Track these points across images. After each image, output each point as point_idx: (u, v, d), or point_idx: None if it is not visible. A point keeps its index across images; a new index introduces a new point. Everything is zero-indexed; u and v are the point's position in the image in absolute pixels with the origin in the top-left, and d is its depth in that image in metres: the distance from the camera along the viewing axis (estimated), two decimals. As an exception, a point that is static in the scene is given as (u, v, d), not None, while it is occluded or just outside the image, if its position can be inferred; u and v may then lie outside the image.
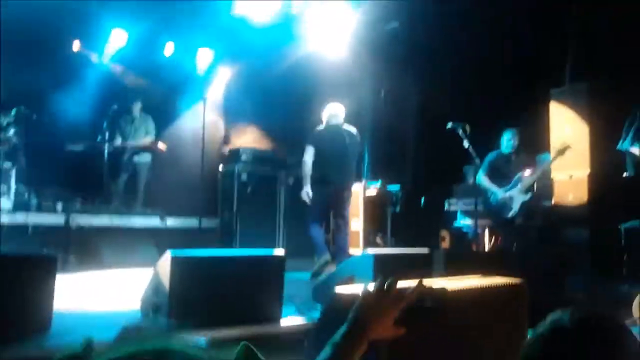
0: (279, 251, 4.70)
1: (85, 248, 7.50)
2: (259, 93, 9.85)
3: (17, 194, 7.98)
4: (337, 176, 7.21)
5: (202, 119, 7.82)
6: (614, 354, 1.42)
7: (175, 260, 3.82)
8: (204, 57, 10.59)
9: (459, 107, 8.46)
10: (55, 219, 7.79)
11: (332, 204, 7.32)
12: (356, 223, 8.84)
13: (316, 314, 4.27)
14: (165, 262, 3.87)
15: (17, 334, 3.29)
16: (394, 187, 9.59)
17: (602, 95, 7.79)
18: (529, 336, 1.51)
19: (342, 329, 1.69)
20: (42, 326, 3.50)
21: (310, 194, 7.11)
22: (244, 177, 8.64)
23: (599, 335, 1.41)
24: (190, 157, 9.15)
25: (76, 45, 9.54)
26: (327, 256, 6.95)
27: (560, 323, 1.45)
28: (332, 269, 6.27)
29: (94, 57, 9.73)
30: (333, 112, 7.44)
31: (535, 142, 8.21)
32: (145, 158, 9.30)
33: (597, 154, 7.63)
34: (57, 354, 0.98)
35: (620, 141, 7.12)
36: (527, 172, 7.54)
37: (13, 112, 8.01)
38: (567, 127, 7.93)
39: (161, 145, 9.22)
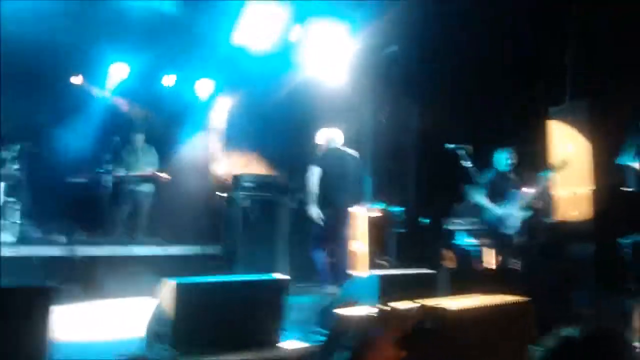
0: (280, 276, 4.68)
1: (89, 278, 7.46)
2: (259, 120, 9.88)
3: (21, 227, 7.99)
4: (341, 199, 7.25)
5: (204, 148, 7.83)
6: None
7: (179, 288, 3.80)
8: (204, 87, 10.64)
9: (459, 127, 8.47)
10: (58, 251, 7.77)
11: (335, 227, 7.30)
12: (361, 245, 8.80)
13: (319, 337, 4.24)
14: (168, 290, 3.85)
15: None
16: (397, 209, 9.57)
17: (602, 112, 7.79)
18: (536, 350, 1.51)
19: (344, 357, 1.68)
20: (39, 357, 3.45)
21: (320, 213, 7.09)
22: (246, 203, 8.61)
23: (607, 350, 1.43)
24: (192, 185, 9.18)
25: (77, 79, 9.61)
26: (332, 288, 6.95)
27: (569, 338, 1.47)
28: (334, 290, 6.24)
29: (95, 91, 9.78)
30: (331, 136, 7.50)
31: (535, 161, 8.20)
32: (147, 188, 9.31)
33: (599, 170, 7.61)
34: None
35: (621, 156, 7.11)
36: (525, 190, 7.54)
37: (17, 147, 8.06)
38: (568, 144, 7.93)
39: (164, 175, 9.23)
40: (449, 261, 8.97)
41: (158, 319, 3.93)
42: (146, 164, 9.34)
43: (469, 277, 6.30)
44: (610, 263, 6.91)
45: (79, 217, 8.77)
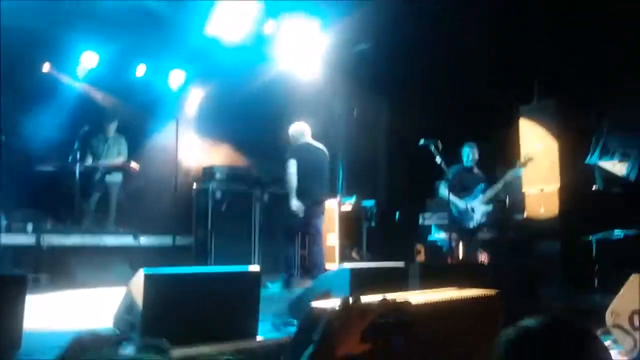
0: (254, 267, 4.66)
1: (57, 268, 7.38)
2: (231, 112, 9.84)
3: (-14, 216, 7.86)
4: (317, 190, 7.28)
5: (175, 138, 7.76)
6: (581, 358, 1.42)
7: (148, 278, 3.76)
8: (176, 77, 10.56)
9: (429, 124, 8.57)
10: (25, 239, 7.66)
11: (310, 218, 7.32)
12: (332, 238, 8.85)
13: (292, 329, 4.23)
14: (138, 280, 3.81)
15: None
16: (369, 203, 9.63)
17: (569, 112, 7.91)
18: (496, 341, 1.51)
19: (309, 351, 1.69)
20: (12, 346, 3.42)
21: (302, 206, 7.11)
22: (218, 194, 8.57)
23: (566, 340, 1.42)
24: (163, 176, 9.07)
25: (46, 67, 9.45)
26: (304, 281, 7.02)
27: (528, 328, 1.46)
28: (307, 284, 6.26)
29: (64, 79, 9.63)
30: (303, 130, 7.56)
31: (502, 157, 8.31)
32: (116, 178, 9.20)
33: (566, 169, 7.73)
34: None
35: (589, 155, 7.24)
36: (489, 185, 7.78)
37: (-18, 135, 7.92)
38: (536, 142, 8.03)
39: (134, 165, 9.13)
40: (421, 255, 9.06)
41: (128, 308, 3.89)
42: (116, 154, 9.23)
43: (440, 270, 6.33)
44: (576, 260, 7.04)
45: (48, 206, 8.66)
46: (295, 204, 7.09)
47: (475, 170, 8.00)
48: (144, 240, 8.52)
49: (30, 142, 8.64)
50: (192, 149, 9.86)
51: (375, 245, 9.19)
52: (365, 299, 1.77)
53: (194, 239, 8.72)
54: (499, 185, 7.72)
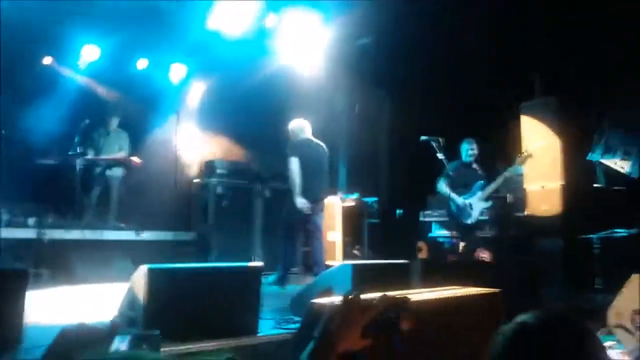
0: (255, 263, 4.66)
1: (58, 262, 7.36)
2: (233, 106, 9.82)
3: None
4: (317, 188, 7.28)
5: (176, 132, 7.76)
6: (577, 354, 1.43)
7: (150, 274, 3.76)
8: (177, 71, 10.54)
9: (430, 122, 8.56)
10: (27, 233, 7.66)
11: (310, 216, 7.32)
12: (334, 235, 8.84)
13: (293, 326, 4.24)
14: (140, 275, 3.81)
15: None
16: (371, 199, 9.63)
17: (571, 109, 7.90)
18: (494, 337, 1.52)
19: (310, 346, 1.70)
20: (13, 340, 3.42)
21: (306, 202, 7.12)
22: (219, 189, 8.57)
23: (563, 335, 1.44)
24: (164, 170, 9.08)
25: (47, 60, 9.44)
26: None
27: (525, 323, 1.48)
28: (309, 280, 6.27)
29: (65, 72, 9.62)
30: (302, 126, 7.57)
31: (505, 155, 8.30)
32: (117, 172, 9.16)
33: (568, 166, 7.72)
34: None
35: (591, 152, 7.24)
36: (488, 181, 7.79)
37: (-18, 128, 7.92)
38: (538, 139, 8.02)
39: (135, 160, 9.12)
40: (422, 252, 9.07)
41: (130, 304, 3.89)
42: (117, 149, 9.22)
43: (441, 268, 6.34)
44: (577, 258, 7.03)
45: (49, 200, 8.63)
46: (301, 201, 7.10)
47: (474, 166, 8.02)
48: (145, 235, 8.52)
49: (31, 135, 8.62)
50: (193, 143, 9.87)
51: (377, 242, 9.19)
52: (366, 296, 1.78)
53: (195, 234, 8.73)
54: (498, 182, 7.73)
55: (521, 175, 8.07)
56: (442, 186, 7.88)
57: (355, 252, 9.12)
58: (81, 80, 9.77)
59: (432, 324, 3.10)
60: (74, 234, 7.98)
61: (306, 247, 7.81)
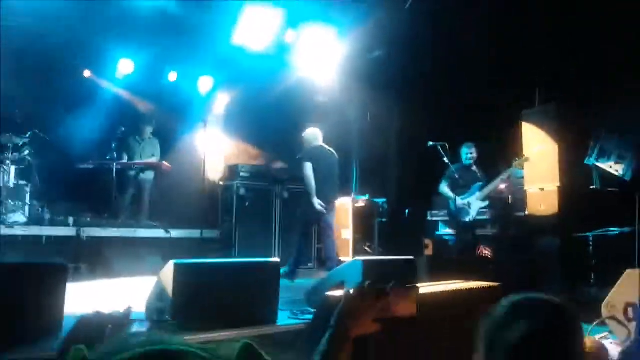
0: (274, 259, 4.69)
1: (95, 258, 7.45)
2: (254, 115, 9.86)
3: (32, 209, 7.96)
4: (328, 191, 7.34)
5: (203, 139, 7.82)
6: (557, 323, 1.48)
7: (178, 268, 3.80)
8: (204, 83, 10.60)
9: (435, 126, 8.57)
10: (67, 231, 7.75)
11: (323, 216, 7.36)
12: (346, 233, 8.88)
13: (308, 316, 4.25)
14: (168, 270, 3.85)
15: (30, 336, 3.28)
16: (381, 200, 9.64)
17: (569, 116, 7.83)
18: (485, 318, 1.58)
19: (327, 335, 1.71)
20: (54, 329, 3.45)
21: (322, 203, 7.16)
22: (242, 191, 8.65)
23: (550, 316, 1.48)
24: (192, 174, 9.15)
25: (87, 73, 9.55)
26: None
27: (514, 302, 1.55)
28: (322, 275, 6.29)
29: (103, 83, 9.72)
30: (316, 134, 7.68)
31: (506, 156, 8.26)
32: (149, 175, 9.29)
33: (565, 169, 7.66)
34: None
35: (587, 156, 7.17)
36: (487, 182, 7.86)
37: (28, 134, 8.04)
38: (537, 144, 7.97)
39: (166, 164, 9.21)
40: (429, 249, 9.05)
41: (159, 296, 3.92)
42: (150, 155, 9.32)
43: (446, 264, 6.32)
44: (573, 256, 6.97)
45: (87, 201, 8.76)
46: (317, 201, 7.17)
47: (474, 168, 8.08)
48: (174, 233, 8.58)
49: (72, 141, 8.74)
50: (218, 148, 9.92)
51: (386, 240, 9.19)
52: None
53: (219, 232, 8.78)
54: (495, 183, 7.79)
55: (521, 177, 8.04)
56: (443, 187, 7.97)
57: (366, 249, 9.12)
58: (117, 91, 9.86)
59: (436, 314, 3.11)
60: (110, 232, 8.07)
61: (319, 244, 7.84)
